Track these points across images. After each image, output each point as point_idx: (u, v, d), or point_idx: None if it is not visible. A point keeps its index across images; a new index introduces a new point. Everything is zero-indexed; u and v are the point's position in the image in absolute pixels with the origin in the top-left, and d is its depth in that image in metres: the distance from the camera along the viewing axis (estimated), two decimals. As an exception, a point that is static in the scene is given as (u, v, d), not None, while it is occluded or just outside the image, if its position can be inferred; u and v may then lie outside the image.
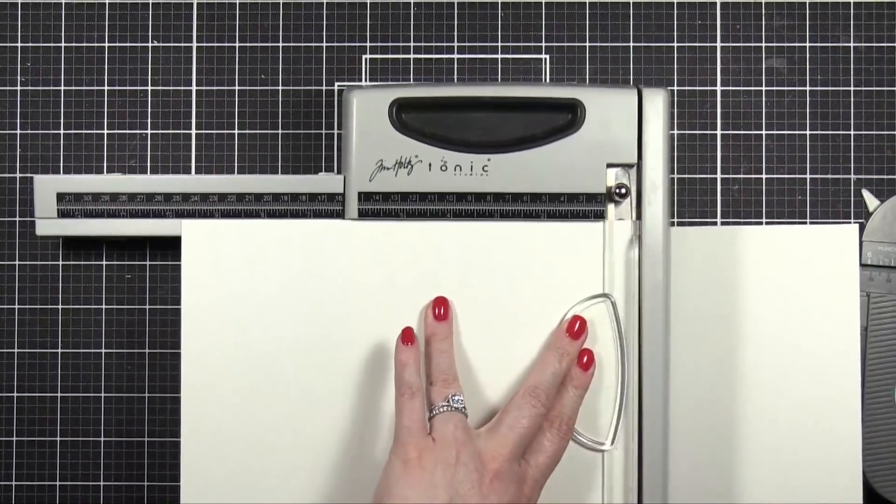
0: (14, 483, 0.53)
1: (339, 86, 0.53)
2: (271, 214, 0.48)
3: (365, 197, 0.47)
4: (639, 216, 0.47)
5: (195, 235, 0.48)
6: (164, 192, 0.48)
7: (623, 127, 0.47)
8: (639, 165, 0.47)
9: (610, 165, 0.47)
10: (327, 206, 0.48)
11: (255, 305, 0.48)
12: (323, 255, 0.48)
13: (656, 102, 0.47)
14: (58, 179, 0.49)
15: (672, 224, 0.52)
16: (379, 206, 0.47)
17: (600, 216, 0.47)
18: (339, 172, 0.49)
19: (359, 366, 0.47)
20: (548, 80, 0.53)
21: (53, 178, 0.49)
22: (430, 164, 0.47)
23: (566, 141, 0.47)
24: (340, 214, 0.48)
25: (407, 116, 0.47)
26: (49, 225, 0.49)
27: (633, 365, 0.47)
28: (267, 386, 0.47)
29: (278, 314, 0.48)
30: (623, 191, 0.47)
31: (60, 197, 0.49)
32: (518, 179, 0.47)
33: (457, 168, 0.47)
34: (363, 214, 0.47)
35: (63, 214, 0.49)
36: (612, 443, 0.47)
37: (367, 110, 0.47)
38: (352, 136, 0.47)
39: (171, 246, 0.52)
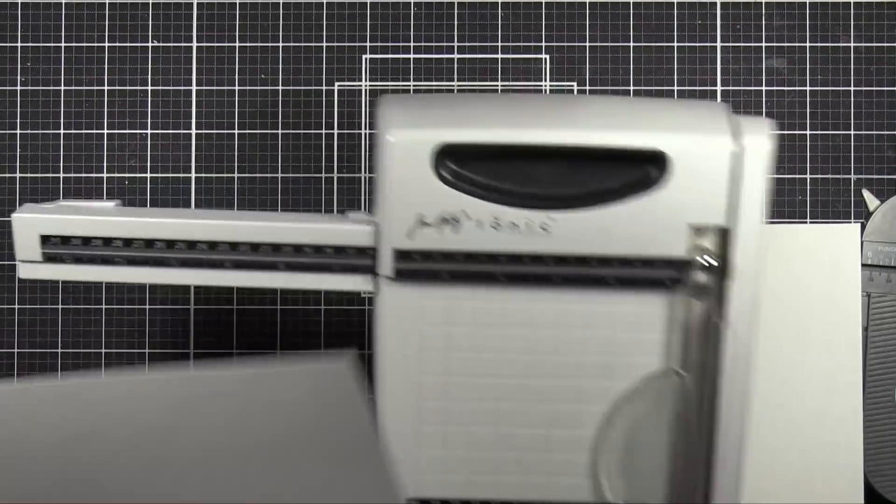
0: (14, 483, 0.53)
1: (339, 86, 0.53)
2: (291, 267, 0.41)
3: (402, 256, 0.40)
4: (724, 289, 0.39)
5: None
6: (167, 239, 0.40)
7: (712, 181, 0.39)
8: (729, 229, 0.39)
9: (693, 227, 0.39)
10: (356, 261, 0.40)
11: None
12: None
13: (759, 148, 0.39)
14: (41, 220, 0.41)
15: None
16: (418, 265, 0.40)
17: (677, 283, 0.40)
18: (367, 211, 0.45)
19: None
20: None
21: (36, 218, 0.41)
22: (479, 222, 0.39)
23: (645, 198, 0.39)
24: (371, 269, 0.40)
25: (453, 164, 0.40)
26: (33, 269, 0.41)
27: None
28: None
29: None
30: (709, 259, 0.39)
31: (45, 239, 0.41)
32: (583, 240, 0.39)
33: (512, 226, 0.40)
34: (401, 274, 0.40)
35: (49, 258, 0.41)
36: None
37: (405, 157, 0.39)
38: (386, 184, 0.39)
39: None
